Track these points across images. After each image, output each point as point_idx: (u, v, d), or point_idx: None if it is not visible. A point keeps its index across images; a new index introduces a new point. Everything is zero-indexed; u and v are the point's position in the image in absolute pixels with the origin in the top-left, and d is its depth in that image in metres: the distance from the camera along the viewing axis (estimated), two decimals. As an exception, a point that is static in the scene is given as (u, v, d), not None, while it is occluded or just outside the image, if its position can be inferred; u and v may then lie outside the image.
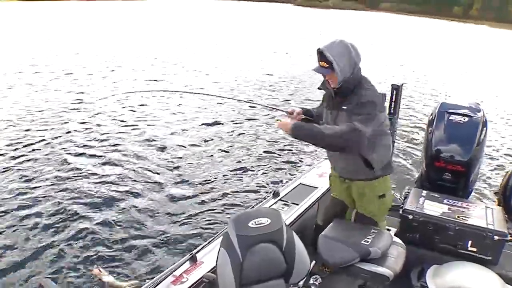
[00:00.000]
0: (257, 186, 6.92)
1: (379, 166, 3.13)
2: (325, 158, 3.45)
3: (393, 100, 4.57)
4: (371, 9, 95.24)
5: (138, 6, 65.41)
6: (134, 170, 7.48)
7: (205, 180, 7.14)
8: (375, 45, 27.52)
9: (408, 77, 17.38)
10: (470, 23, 71.96)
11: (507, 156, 9.16)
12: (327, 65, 2.92)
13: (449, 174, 4.23)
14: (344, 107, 3.00)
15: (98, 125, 9.92)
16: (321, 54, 2.93)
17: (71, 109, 11.07)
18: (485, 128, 4.34)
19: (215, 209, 6.15)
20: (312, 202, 3.81)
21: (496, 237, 3.33)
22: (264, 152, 8.56)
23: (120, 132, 9.49)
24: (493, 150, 9.34)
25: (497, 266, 3.37)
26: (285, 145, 8.92)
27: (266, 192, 6.21)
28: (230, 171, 7.53)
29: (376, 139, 3.03)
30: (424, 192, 3.94)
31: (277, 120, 3.08)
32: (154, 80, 15.19)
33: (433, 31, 51.32)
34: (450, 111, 4.35)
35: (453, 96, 13.22)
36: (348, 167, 3.21)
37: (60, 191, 6.60)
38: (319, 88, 3.24)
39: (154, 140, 9.05)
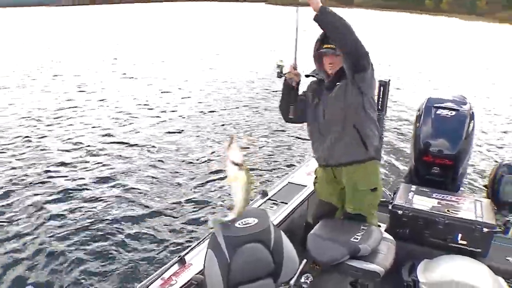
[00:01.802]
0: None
1: (371, 145, 3.14)
2: (313, 156, 3.40)
3: (381, 96, 4.56)
4: (345, 6, 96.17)
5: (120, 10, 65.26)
6: (119, 173, 7.47)
7: (193, 181, 7.12)
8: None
9: (392, 72, 17.43)
10: (442, 16, 73.06)
11: (495, 148, 9.20)
12: (335, 47, 3.01)
13: (437, 168, 4.24)
14: (338, 84, 3.09)
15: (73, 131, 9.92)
16: (327, 38, 3.05)
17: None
18: (472, 121, 4.36)
19: (203, 211, 6.12)
20: (301, 201, 3.80)
21: (485, 230, 3.34)
22: (252, 152, 8.53)
23: (104, 135, 9.51)
24: (482, 142, 9.38)
25: (487, 258, 3.39)
26: (273, 145, 8.91)
27: (255, 192, 6.19)
28: (218, 171, 7.49)
29: (371, 110, 3.11)
30: (413, 187, 3.94)
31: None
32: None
33: (408, 25, 52.10)
34: (437, 105, 4.36)
35: (439, 91, 13.32)
36: (342, 147, 3.13)
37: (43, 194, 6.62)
38: (306, 76, 3.27)
39: (140, 142, 9.03)
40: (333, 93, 3.09)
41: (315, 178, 3.50)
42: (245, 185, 2.29)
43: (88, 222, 5.85)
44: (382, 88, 4.52)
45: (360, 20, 54.36)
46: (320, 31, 3.04)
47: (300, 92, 3.31)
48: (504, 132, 10.61)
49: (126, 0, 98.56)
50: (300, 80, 3.21)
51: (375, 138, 3.18)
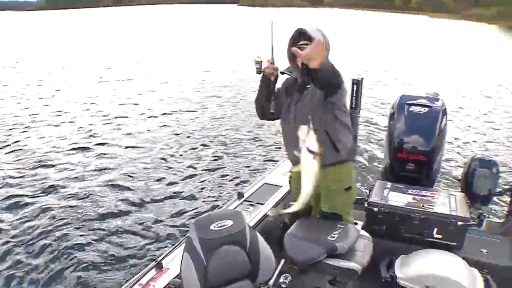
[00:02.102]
0: (221, 188, 6.88)
1: (344, 148, 3.12)
2: (287, 156, 3.40)
3: (354, 95, 4.59)
4: (315, 6, 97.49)
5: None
6: (95, 175, 7.44)
7: (168, 185, 7.09)
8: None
9: (365, 71, 17.62)
10: (411, 14, 75.02)
11: (468, 143, 9.36)
12: (309, 43, 2.94)
13: (412, 164, 4.28)
14: (309, 86, 3.05)
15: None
16: (302, 34, 3.00)
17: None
18: (445, 117, 4.41)
19: (179, 214, 6.10)
20: (277, 201, 3.79)
21: (459, 223, 3.39)
22: (228, 153, 8.52)
23: (80, 137, 9.43)
24: (455, 138, 9.53)
25: (462, 251, 3.44)
26: (249, 145, 8.91)
27: (230, 194, 6.20)
28: (194, 174, 7.47)
29: (342, 116, 3.07)
30: (389, 184, 3.97)
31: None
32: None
33: (378, 23, 53.02)
34: (410, 102, 4.40)
35: (412, 87, 13.50)
36: None
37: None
38: (281, 73, 3.22)
39: (115, 144, 9.01)
40: (304, 98, 3.07)
41: (290, 177, 3.49)
42: (315, 175, 2.39)
43: (62, 226, 5.81)
44: (355, 86, 4.55)
45: (330, 19, 55.39)
46: (294, 28, 3.03)
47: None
48: (476, 126, 10.81)
49: (98, 5, 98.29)
50: (278, 75, 3.20)
51: (348, 142, 3.17)
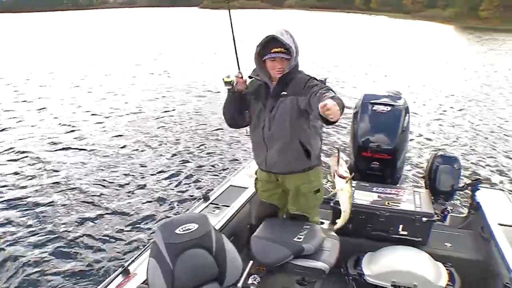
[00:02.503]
0: (187, 191, 6.81)
1: (315, 154, 3.13)
2: (255, 160, 3.38)
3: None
4: (276, 7, 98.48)
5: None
6: (60, 181, 7.28)
7: (133, 189, 6.97)
8: None
9: (328, 71, 17.82)
10: (371, 15, 76.71)
11: (431, 140, 9.55)
12: (284, 50, 2.92)
13: (376, 162, 4.34)
14: (284, 93, 3.00)
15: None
16: (275, 40, 2.90)
17: None
18: (407, 115, 4.49)
19: (145, 219, 5.99)
20: (243, 203, 3.77)
21: (424, 219, 3.45)
22: (191, 155, 8.46)
23: (42, 142, 9.22)
24: (417, 135, 9.70)
25: (427, 246, 3.53)
26: (213, 147, 8.86)
27: (196, 197, 6.16)
28: (159, 177, 7.38)
29: (315, 122, 3.06)
30: (354, 183, 4.00)
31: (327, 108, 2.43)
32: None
33: (339, 24, 53.87)
34: (373, 101, 4.46)
35: (374, 87, 13.72)
36: (286, 159, 3.10)
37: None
38: (249, 77, 3.16)
39: (69, 150, 8.82)
40: (280, 106, 3.01)
41: (256, 179, 3.46)
42: (350, 195, 2.66)
43: (27, 232, 5.66)
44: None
45: (292, 21, 55.99)
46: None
47: None
48: (437, 123, 11.10)
49: (59, 8, 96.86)
50: (248, 86, 3.13)
51: (318, 147, 3.18)
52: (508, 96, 15.22)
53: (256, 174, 3.46)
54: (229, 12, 3.10)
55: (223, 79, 2.98)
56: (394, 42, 33.46)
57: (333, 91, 2.68)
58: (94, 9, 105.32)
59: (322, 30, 42.29)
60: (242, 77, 3.03)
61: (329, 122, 2.53)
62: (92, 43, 30.52)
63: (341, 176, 2.52)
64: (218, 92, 14.20)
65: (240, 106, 3.16)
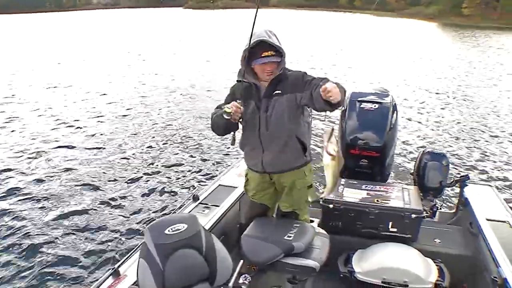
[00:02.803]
0: (176, 191, 6.78)
1: (309, 150, 3.16)
2: (246, 162, 3.36)
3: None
4: (261, 7, 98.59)
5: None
6: (48, 180, 7.25)
7: (121, 190, 6.93)
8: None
9: (314, 69, 17.84)
10: (356, 13, 77.24)
11: (419, 137, 9.60)
12: (274, 53, 2.92)
13: (365, 160, 4.35)
14: (278, 92, 3.00)
15: None
16: (263, 43, 2.89)
17: None
18: (395, 112, 4.50)
19: (134, 219, 5.96)
20: (233, 202, 3.76)
21: (413, 216, 3.47)
22: (180, 155, 8.42)
23: (30, 142, 9.08)
24: (406, 132, 9.75)
25: (417, 242, 3.55)
26: (202, 147, 8.84)
27: (186, 197, 6.14)
28: (148, 178, 7.34)
29: (308, 117, 3.11)
30: (343, 181, 4.01)
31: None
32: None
33: (323, 23, 54.22)
34: (360, 99, 4.47)
35: (362, 84, 13.79)
36: (285, 157, 3.10)
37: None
38: (238, 81, 3.12)
39: (58, 150, 8.78)
40: (276, 105, 3.00)
41: (246, 181, 3.44)
42: (333, 173, 2.63)
43: (15, 233, 5.62)
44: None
45: (277, 20, 56.13)
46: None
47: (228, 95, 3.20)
48: (424, 120, 11.14)
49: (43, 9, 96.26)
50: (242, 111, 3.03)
51: (310, 143, 3.21)
52: (493, 92, 15.40)
53: (246, 175, 3.44)
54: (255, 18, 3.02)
55: (225, 110, 2.88)
56: (379, 40, 33.70)
57: (330, 81, 2.69)
58: (77, 10, 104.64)
59: (307, 29, 42.41)
60: (240, 108, 2.92)
61: (333, 106, 2.61)
62: (76, 44, 30.29)
63: (328, 153, 2.55)
64: (208, 91, 14.22)
65: (235, 128, 3.12)
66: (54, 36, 37.94)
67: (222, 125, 3.02)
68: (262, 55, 2.91)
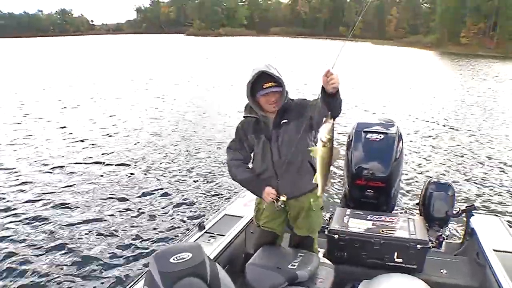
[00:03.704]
0: (181, 220, 6.72)
1: None
2: None
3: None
4: (262, 34, 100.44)
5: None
6: (50, 207, 7.17)
7: (127, 217, 6.85)
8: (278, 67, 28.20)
9: (315, 96, 17.86)
10: (356, 42, 78.37)
11: (425, 166, 9.55)
12: (276, 84, 3.00)
13: (371, 190, 4.36)
14: (285, 121, 3.11)
15: None
16: (264, 75, 2.98)
17: None
18: (401, 142, 4.53)
19: (139, 247, 5.87)
20: (238, 232, 3.77)
21: (418, 246, 3.46)
22: (186, 184, 8.34)
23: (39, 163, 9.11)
24: (412, 162, 9.71)
25: (423, 273, 3.53)
26: (208, 177, 8.80)
27: (191, 225, 6.13)
28: (152, 207, 7.24)
29: (313, 141, 3.15)
30: (348, 211, 4.02)
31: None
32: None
33: (322, 50, 54.46)
34: (366, 130, 4.51)
35: (367, 115, 13.82)
36: (299, 183, 3.17)
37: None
38: (245, 117, 3.23)
39: (58, 182, 8.61)
40: (285, 134, 3.10)
41: (258, 210, 3.44)
42: (323, 161, 2.64)
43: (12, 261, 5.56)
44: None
45: (277, 47, 56.85)
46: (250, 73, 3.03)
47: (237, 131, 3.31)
48: (429, 150, 11.05)
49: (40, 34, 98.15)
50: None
51: None
52: (497, 121, 15.37)
53: (257, 204, 3.45)
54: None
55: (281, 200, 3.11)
56: (379, 68, 33.88)
57: None
58: (81, 35, 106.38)
59: (308, 57, 42.69)
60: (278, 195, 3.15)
61: (330, 99, 2.67)
62: (81, 69, 30.53)
63: (321, 140, 2.57)
64: (215, 118, 14.27)
65: None
66: (60, 60, 38.45)
67: (248, 186, 3.39)
68: (264, 87, 3.00)
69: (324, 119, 2.59)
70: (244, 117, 3.25)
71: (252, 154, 3.32)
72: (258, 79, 3.01)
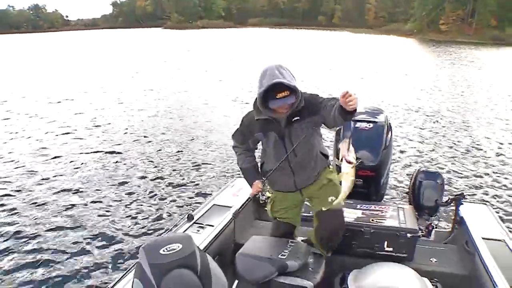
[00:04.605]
0: (170, 211, 6.68)
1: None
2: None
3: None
4: (240, 26, 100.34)
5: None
6: (42, 202, 7.09)
7: (114, 209, 6.81)
8: (254, 58, 28.81)
9: (305, 89, 17.82)
10: (335, 31, 78.62)
11: (414, 155, 9.58)
12: (289, 93, 2.87)
13: (360, 180, 4.34)
14: (297, 119, 3.05)
15: None
16: (279, 85, 2.83)
17: None
18: (390, 131, 4.52)
19: (129, 239, 5.84)
20: (228, 222, 3.74)
21: (408, 235, 3.47)
22: (174, 175, 8.31)
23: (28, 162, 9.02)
24: (401, 151, 9.74)
25: (413, 262, 3.54)
26: (196, 166, 8.77)
27: (180, 216, 6.10)
28: (140, 198, 7.22)
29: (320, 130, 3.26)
30: None
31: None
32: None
33: (305, 40, 54.94)
34: (355, 118, 4.48)
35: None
36: (313, 172, 3.25)
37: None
38: (257, 120, 3.11)
39: (47, 172, 8.62)
40: (298, 132, 3.06)
41: (272, 202, 3.45)
42: (352, 180, 2.81)
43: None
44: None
45: (256, 39, 56.68)
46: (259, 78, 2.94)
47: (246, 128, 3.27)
48: (418, 138, 11.07)
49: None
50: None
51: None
52: (484, 108, 15.51)
53: (270, 197, 3.49)
54: None
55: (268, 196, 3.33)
56: (360, 57, 33.86)
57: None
58: (56, 31, 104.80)
59: (289, 48, 42.30)
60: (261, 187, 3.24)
61: (349, 115, 2.70)
62: (57, 66, 30.08)
63: (348, 162, 2.70)
64: (201, 110, 14.20)
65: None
66: (36, 57, 37.79)
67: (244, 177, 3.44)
68: (277, 97, 2.87)
69: (345, 139, 2.73)
70: (256, 120, 3.13)
71: (257, 148, 3.39)
72: (271, 87, 2.86)
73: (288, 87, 2.85)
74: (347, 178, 2.78)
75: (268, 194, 3.25)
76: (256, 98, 3.02)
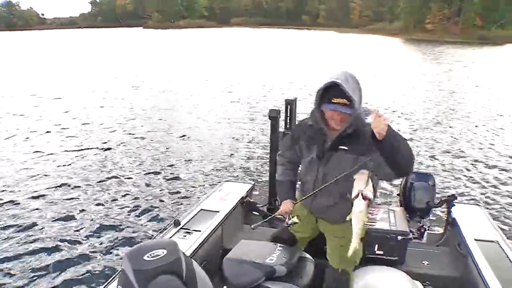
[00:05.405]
0: (156, 216, 6.58)
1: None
2: (225, 181, 3.27)
3: (288, 115, 4.61)
4: (223, 25, 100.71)
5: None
6: (22, 206, 6.99)
7: (98, 214, 6.69)
8: (240, 60, 28.68)
9: (294, 90, 17.77)
10: (321, 30, 79.04)
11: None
12: (348, 103, 2.54)
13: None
14: (343, 148, 2.72)
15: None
16: (337, 88, 2.52)
17: None
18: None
19: (113, 245, 5.73)
20: (215, 227, 3.68)
21: (399, 237, 3.43)
22: (160, 179, 8.22)
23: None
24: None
25: (404, 265, 3.50)
26: (183, 171, 8.68)
27: (164, 223, 5.99)
28: (125, 203, 7.10)
29: None
30: None
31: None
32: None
33: (289, 40, 55.13)
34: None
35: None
36: (332, 209, 2.89)
37: None
38: (310, 126, 2.87)
39: (32, 179, 8.42)
40: (337, 162, 2.74)
41: (296, 217, 3.02)
42: (364, 221, 2.43)
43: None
44: (289, 106, 4.60)
45: (239, 39, 56.71)
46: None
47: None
48: (410, 139, 11.06)
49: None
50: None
51: None
52: (473, 108, 15.62)
53: (295, 213, 3.07)
54: None
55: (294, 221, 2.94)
56: (345, 56, 34.05)
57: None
58: (30, 30, 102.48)
59: (273, 48, 42.37)
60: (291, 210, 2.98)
61: (379, 144, 2.32)
62: (34, 66, 29.73)
63: (365, 197, 2.36)
64: (189, 113, 14.10)
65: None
66: (11, 56, 37.50)
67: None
68: (333, 101, 2.57)
69: (362, 170, 2.39)
70: (309, 125, 2.88)
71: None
72: (329, 88, 2.58)
73: (346, 96, 2.52)
74: (359, 218, 2.41)
75: (295, 219, 2.91)
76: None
